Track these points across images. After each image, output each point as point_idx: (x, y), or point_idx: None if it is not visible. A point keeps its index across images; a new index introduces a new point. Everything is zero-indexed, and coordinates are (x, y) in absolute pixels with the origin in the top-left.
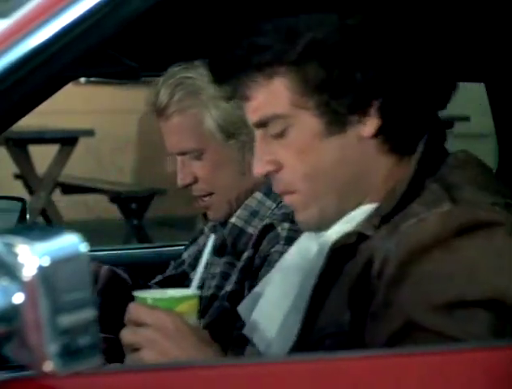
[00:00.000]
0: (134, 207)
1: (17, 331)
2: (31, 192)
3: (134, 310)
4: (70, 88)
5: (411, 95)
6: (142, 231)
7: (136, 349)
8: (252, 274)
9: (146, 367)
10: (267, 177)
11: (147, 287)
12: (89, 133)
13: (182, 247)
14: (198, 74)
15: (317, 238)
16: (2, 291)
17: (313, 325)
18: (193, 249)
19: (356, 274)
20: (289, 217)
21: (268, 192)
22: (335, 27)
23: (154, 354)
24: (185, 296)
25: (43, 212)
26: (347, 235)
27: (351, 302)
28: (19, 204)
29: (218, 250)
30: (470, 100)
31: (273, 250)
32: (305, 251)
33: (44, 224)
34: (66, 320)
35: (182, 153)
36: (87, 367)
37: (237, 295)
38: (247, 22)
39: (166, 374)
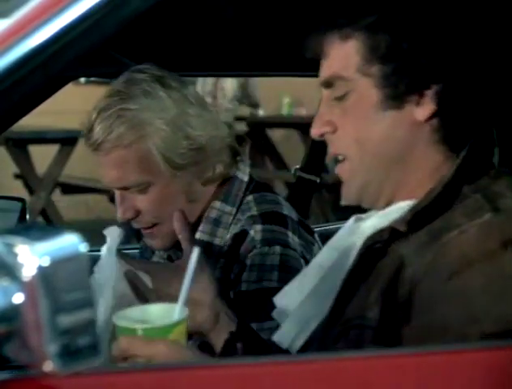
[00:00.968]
0: None
1: (17, 331)
2: (31, 192)
3: (126, 346)
4: (70, 88)
5: (469, 88)
6: None
7: None
8: (233, 282)
9: (146, 367)
10: (322, 137)
11: None
12: None
13: None
14: (139, 105)
15: (354, 232)
16: (2, 291)
17: (339, 316)
18: None
19: (389, 275)
20: (258, 218)
21: (226, 198)
22: (413, 5)
23: None
24: (176, 322)
25: (43, 212)
26: (381, 231)
27: (382, 301)
28: (19, 204)
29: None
30: None
31: (251, 253)
32: (339, 245)
33: (44, 224)
34: (66, 320)
35: (125, 188)
36: (87, 367)
37: None
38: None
39: (166, 374)
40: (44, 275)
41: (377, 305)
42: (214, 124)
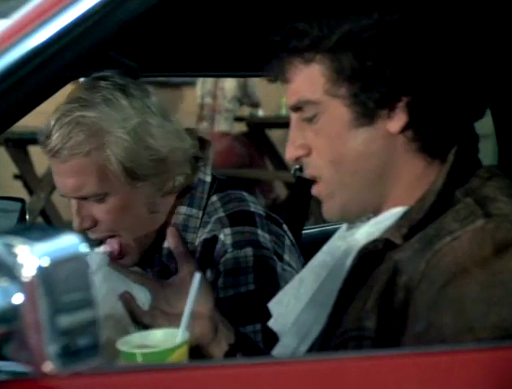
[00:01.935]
0: None
1: (17, 331)
2: (30, 192)
3: None
4: (70, 88)
5: (440, 97)
6: None
7: None
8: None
9: (146, 367)
10: (297, 161)
11: None
12: None
13: None
14: (100, 113)
15: (346, 239)
16: (1, 291)
17: (336, 327)
18: None
19: (385, 283)
20: (226, 221)
21: (191, 202)
22: (373, 21)
23: None
24: (176, 346)
25: (43, 212)
26: (375, 242)
27: (378, 309)
28: (19, 204)
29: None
30: None
31: (223, 259)
32: (334, 250)
33: (44, 224)
34: (66, 321)
35: (83, 197)
36: (87, 367)
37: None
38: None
39: (166, 374)
40: (44, 276)
41: (374, 313)
42: (176, 135)
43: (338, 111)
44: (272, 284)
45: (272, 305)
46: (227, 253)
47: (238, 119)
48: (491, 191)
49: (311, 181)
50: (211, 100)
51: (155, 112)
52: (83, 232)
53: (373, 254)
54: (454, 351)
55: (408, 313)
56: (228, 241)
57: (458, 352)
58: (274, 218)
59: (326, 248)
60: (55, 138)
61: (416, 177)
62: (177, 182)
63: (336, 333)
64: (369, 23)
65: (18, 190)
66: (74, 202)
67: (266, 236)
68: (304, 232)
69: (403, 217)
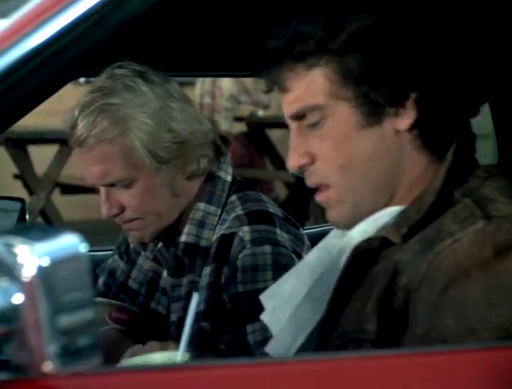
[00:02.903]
0: None
1: (17, 331)
2: (30, 192)
3: None
4: (70, 88)
5: (447, 90)
6: None
7: None
8: (225, 285)
9: (146, 367)
10: (300, 169)
11: None
12: None
13: None
14: (122, 100)
15: (342, 236)
16: (1, 291)
17: (333, 327)
18: (138, 274)
19: (385, 284)
20: (245, 218)
21: (210, 199)
22: (378, 19)
23: None
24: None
25: (43, 212)
26: (371, 239)
27: (379, 311)
28: (19, 204)
29: (176, 272)
30: None
31: (241, 255)
32: (330, 247)
33: (44, 224)
34: (66, 320)
35: (110, 184)
36: (87, 367)
37: (213, 313)
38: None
39: (166, 374)
40: (44, 276)
41: (375, 315)
42: (197, 118)
43: (345, 113)
44: None
45: (265, 298)
46: (245, 249)
47: (238, 119)
48: (490, 192)
49: None
50: (210, 100)
51: (175, 96)
52: (111, 219)
53: (367, 253)
54: (454, 351)
55: (409, 315)
56: (247, 237)
57: (458, 352)
58: (291, 220)
59: (321, 244)
60: (80, 127)
61: (417, 176)
62: (202, 165)
63: (335, 335)
64: (374, 21)
65: (18, 190)
66: (102, 190)
67: (285, 235)
68: (304, 232)
69: (401, 216)
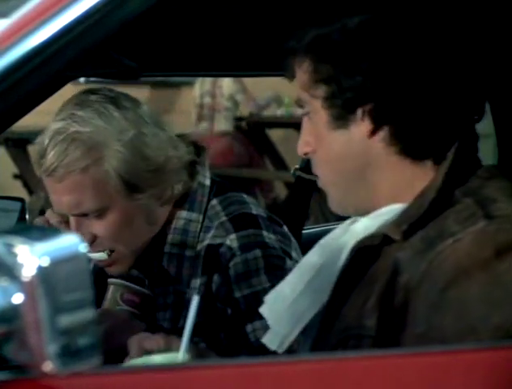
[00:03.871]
0: None
1: (17, 331)
2: (30, 192)
3: None
4: (70, 88)
5: (409, 104)
6: None
7: None
8: (217, 293)
9: (146, 367)
10: (307, 156)
11: None
12: None
13: None
14: (94, 127)
15: (346, 230)
16: (1, 291)
17: (333, 322)
18: None
19: (386, 282)
20: (229, 226)
21: (191, 206)
22: (337, 27)
23: None
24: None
25: (42, 212)
26: (372, 236)
27: (379, 308)
28: (19, 204)
29: (160, 281)
30: None
31: (232, 263)
32: (331, 242)
33: None
34: (66, 320)
35: (82, 214)
36: (87, 367)
37: (204, 326)
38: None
39: (166, 374)
40: (44, 276)
41: (375, 312)
42: (171, 143)
43: (319, 112)
44: None
45: (267, 299)
46: (235, 257)
47: (238, 119)
48: (492, 192)
49: (311, 181)
50: (210, 100)
51: (148, 121)
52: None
53: (369, 249)
54: (454, 351)
55: (408, 313)
56: (235, 244)
57: (458, 352)
58: (274, 219)
59: (323, 241)
60: (50, 156)
61: (405, 178)
62: (176, 190)
63: (335, 330)
64: (334, 28)
65: (18, 189)
66: (72, 219)
67: (272, 236)
68: (304, 232)
69: (402, 213)
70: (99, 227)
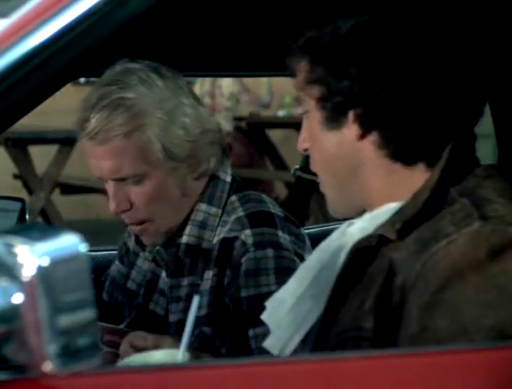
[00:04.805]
0: None
1: (17, 331)
2: (30, 192)
3: None
4: (70, 88)
5: (396, 110)
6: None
7: None
8: (228, 288)
9: (146, 367)
10: (306, 152)
11: None
12: None
13: None
14: (138, 94)
15: (343, 233)
16: (1, 291)
17: (332, 324)
18: (137, 275)
19: (382, 283)
20: (246, 221)
21: (211, 200)
22: (330, 29)
23: None
24: None
25: (42, 212)
26: (369, 237)
27: (376, 309)
28: (19, 204)
29: (175, 272)
30: None
31: (244, 259)
32: (329, 246)
33: (44, 224)
34: (66, 320)
35: (121, 179)
36: (86, 367)
37: (215, 317)
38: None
39: (166, 374)
40: (44, 276)
41: (372, 313)
42: (206, 117)
43: (314, 112)
44: None
45: (268, 304)
46: (248, 252)
47: (238, 119)
48: (488, 192)
49: (311, 181)
50: (209, 100)
51: (187, 92)
52: (120, 215)
53: (366, 250)
54: (454, 351)
55: (403, 314)
56: (249, 241)
57: (458, 352)
58: (292, 219)
59: (322, 245)
60: (94, 121)
61: (397, 180)
62: (212, 165)
63: (333, 332)
64: (325, 31)
65: (18, 190)
66: (111, 184)
67: (287, 237)
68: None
69: (397, 213)
70: (136, 193)
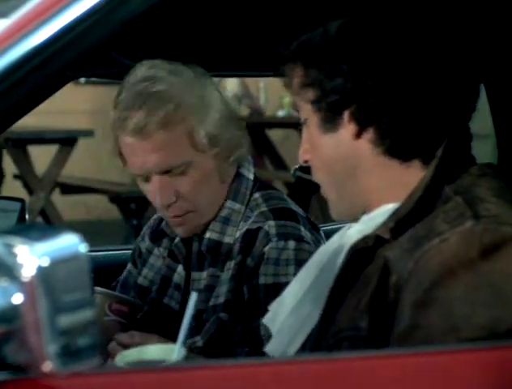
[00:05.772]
0: (134, 207)
1: (17, 331)
2: (30, 192)
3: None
4: (70, 88)
5: (390, 107)
6: (141, 231)
7: None
8: (248, 277)
9: (146, 367)
10: (307, 164)
11: None
12: (89, 133)
13: None
14: (170, 85)
15: (341, 236)
16: (1, 291)
17: (329, 325)
18: (149, 273)
19: (377, 282)
20: (269, 214)
21: (235, 196)
22: (320, 31)
23: None
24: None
25: (42, 212)
26: (366, 238)
27: (371, 308)
28: (19, 204)
29: (197, 266)
30: None
31: (267, 248)
32: (328, 247)
33: (44, 224)
34: (66, 320)
35: (167, 171)
36: (86, 367)
37: (233, 304)
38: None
39: (166, 374)
40: (44, 276)
41: (367, 313)
42: (229, 102)
43: (312, 116)
44: None
45: (271, 308)
46: (271, 242)
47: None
48: (482, 191)
49: (311, 181)
50: None
51: (213, 81)
52: (164, 211)
53: (364, 251)
54: (454, 351)
55: (397, 312)
56: (273, 231)
57: (458, 352)
58: (312, 222)
59: (322, 248)
60: (138, 115)
61: (395, 179)
62: (244, 150)
63: (330, 332)
64: (315, 33)
65: (18, 190)
66: (156, 178)
67: (308, 233)
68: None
69: (393, 213)
70: (182, 183)
